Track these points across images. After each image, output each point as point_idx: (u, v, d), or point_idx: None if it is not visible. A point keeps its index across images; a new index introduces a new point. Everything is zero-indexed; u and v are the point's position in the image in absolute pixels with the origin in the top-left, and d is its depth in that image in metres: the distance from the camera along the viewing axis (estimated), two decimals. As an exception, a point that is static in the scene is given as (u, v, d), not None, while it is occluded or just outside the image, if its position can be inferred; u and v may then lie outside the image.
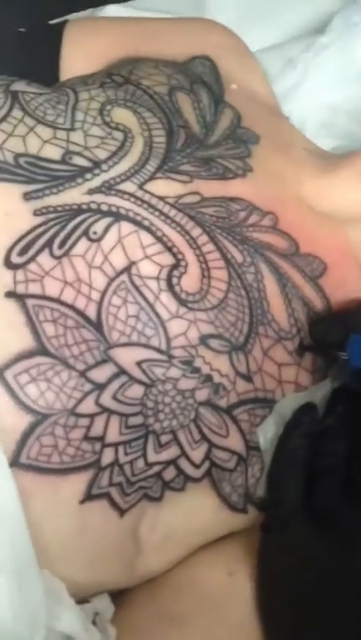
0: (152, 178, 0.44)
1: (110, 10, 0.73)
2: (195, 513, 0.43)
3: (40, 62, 0.57)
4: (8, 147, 0.43)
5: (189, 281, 0.42)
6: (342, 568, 0.37)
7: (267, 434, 0.43)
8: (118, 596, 0.45)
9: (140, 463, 0.41)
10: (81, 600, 0.43)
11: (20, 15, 0.68)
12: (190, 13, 0.75)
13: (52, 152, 0.43)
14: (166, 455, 0.41)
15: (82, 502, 0.40)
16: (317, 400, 0.44)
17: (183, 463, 0.42)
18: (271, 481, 0.42)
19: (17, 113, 0.44)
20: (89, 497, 0.40)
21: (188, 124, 0.48)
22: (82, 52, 0.57)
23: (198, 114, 0.49)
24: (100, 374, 0.40)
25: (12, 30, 0.63)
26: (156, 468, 0.41)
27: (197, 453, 0.42)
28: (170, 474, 0.42)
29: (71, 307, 0.40)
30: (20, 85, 0.46)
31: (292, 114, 0.66)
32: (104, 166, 0.43)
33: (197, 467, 0.42)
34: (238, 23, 0.70)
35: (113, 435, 0.40)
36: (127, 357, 0.40)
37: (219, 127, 0.49)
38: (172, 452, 0.41)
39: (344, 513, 0.39)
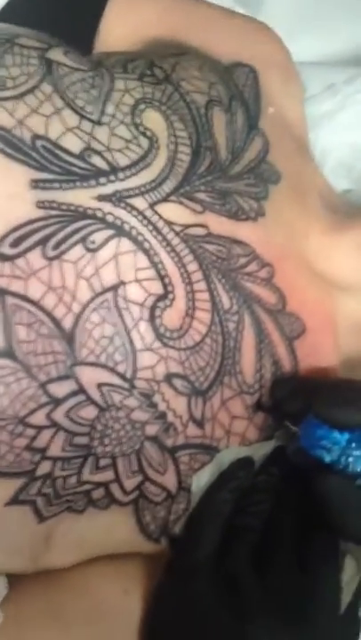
0: (165, 199, 0.42)
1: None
2: (111, 530, 0.44)
3: (79, 21, 0.53)
4: (29, 124, 0.40)
5: (172, 316, 0.42)
6: (228, 637, 0.38)
7: (201, 480, 0.43)
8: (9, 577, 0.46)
9: (73, 480, 0.41)
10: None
11: None
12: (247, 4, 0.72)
13: (73, 143, 0.41)
14: (100, 478, 0.41)
15: (6, 505, 0.39)
16: (258, 457, 0.45)
17: (114, 488, 0.42)
18: (189, 526, 0.43)
19: (46, 88, 0.42)
20: (15, 501, 0.39)
21: (217, 146, 0.46)
22: (123, 20, 0.54)
23: (229, 137, 0.47)
24: (60, 389, 0.39)
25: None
26: (86, 487, 0.41)
27: (130, 482, 0.42)
28: (98, 494, 0.42)
29: (49, 314, 0.39)
30: (57, 54, 0.43)
31: (318, 141, 0.65)
32: (121, 174, 0.41)
33: (126, 494, 0.42)
34: (291, 26, 0.68)
35: (55, 449, 0.39)
36: (90, 377, 0.40)
37: (245, 157, 0.47)
38: (106, 475, 0.41)
39: (247, 582, 0.40)
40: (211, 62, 0.51)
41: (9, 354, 0.38)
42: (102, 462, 0.41)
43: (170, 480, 0.43)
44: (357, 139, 0.65)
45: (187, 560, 0.42)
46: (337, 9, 0.71)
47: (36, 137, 0.40)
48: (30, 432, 0.38)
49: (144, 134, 0.43)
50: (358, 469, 0.40)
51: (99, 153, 0.41)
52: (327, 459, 0.41)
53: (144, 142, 0.43)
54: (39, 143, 0.40)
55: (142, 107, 0.44)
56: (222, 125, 0.47)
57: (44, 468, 0.39)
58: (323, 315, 0.48)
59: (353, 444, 0.41)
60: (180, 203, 0.43)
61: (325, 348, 0.48)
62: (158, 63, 0.47)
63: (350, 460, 0.40)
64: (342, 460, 0.40)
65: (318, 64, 0.68)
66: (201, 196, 0.44)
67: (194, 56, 0.50)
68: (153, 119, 0.44)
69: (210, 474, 0.44)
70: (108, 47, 0.53)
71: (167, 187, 0.43)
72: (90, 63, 0.45)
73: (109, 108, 0.43)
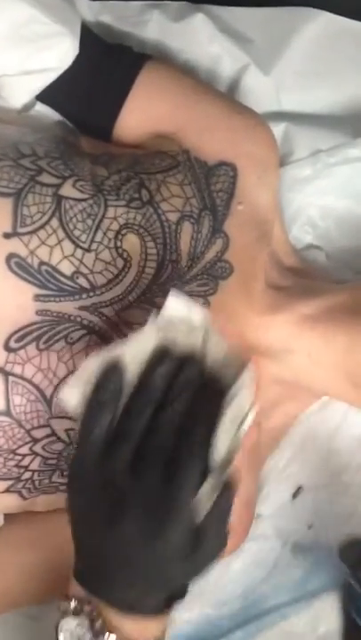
0: (129, 307, 0.59)
1: (198, 18, 0.79)
2: None
3: (105, 106, 0.67)
4: (38, 253, 0.57)
5: None
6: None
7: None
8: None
9: (46, 481, 0.63)
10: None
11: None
12: (272, 45, 0.81)
13: (66, 268, 0.58)
14: (63, 480, 0.63)
15: (2, 492, 0.62)
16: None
17: (73, 485, 0.64)
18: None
19: (54, 223, 0.58)
20: (6, 492, 0.62)
21: (179, 256, 0.62)
22: (139, 112, 0.67)
23: (193, 245, 0.62)
24: (39, 433, 0.60)
25: (100, 39, 0.71)
26: (55, 484, 0.63)
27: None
28: (62, 487, 0.64)
29: (37, 387, 0.58)
30: (67, 189, 0.59)
31: (294, 201, 0.78)
32: (98, 291, 0.58)
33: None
34: (304, 79, 0.79)
35: (34, 466, 0.61)
36: (60, 425, 0.60)
37: (204, 259, 0.63)
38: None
39: (124, 478, 0.44)
40: (194, 173, 0.64)
41: (7, 413, 0.58)
42: (65, 473, 0.62)
43: None
44: (326, 203, 0.79)
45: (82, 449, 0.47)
46: (346, 66, 0.80)
47: (42, 263, 0.57)
48: (18, 458, 0.60)
49: (121, 256, 0.59)
50: None
51: (84, 275, 0.58)
52: None
53: (120, 263, 0.59)
54: (43, 268, 0.57)
55: (124, 231, 0.60)
56: (188, 236, 0.62)
57: (26, 475, 0.61)
58: None
59: None
60: (139, 307, 0.60)
61: None
62: (147, 183, 0.62)
63: None
64: None
65: (311, 127, 0.79)
66: (157, 299, 0.60)
67: (181, 169, 0.64)
68: (131, 242, 0.60)
69: None
70: (123, 132, 0.68)
71: (131, 297, 0.59)
72: (92, 187, 0.60)
73: (98, 236, 0.59)
